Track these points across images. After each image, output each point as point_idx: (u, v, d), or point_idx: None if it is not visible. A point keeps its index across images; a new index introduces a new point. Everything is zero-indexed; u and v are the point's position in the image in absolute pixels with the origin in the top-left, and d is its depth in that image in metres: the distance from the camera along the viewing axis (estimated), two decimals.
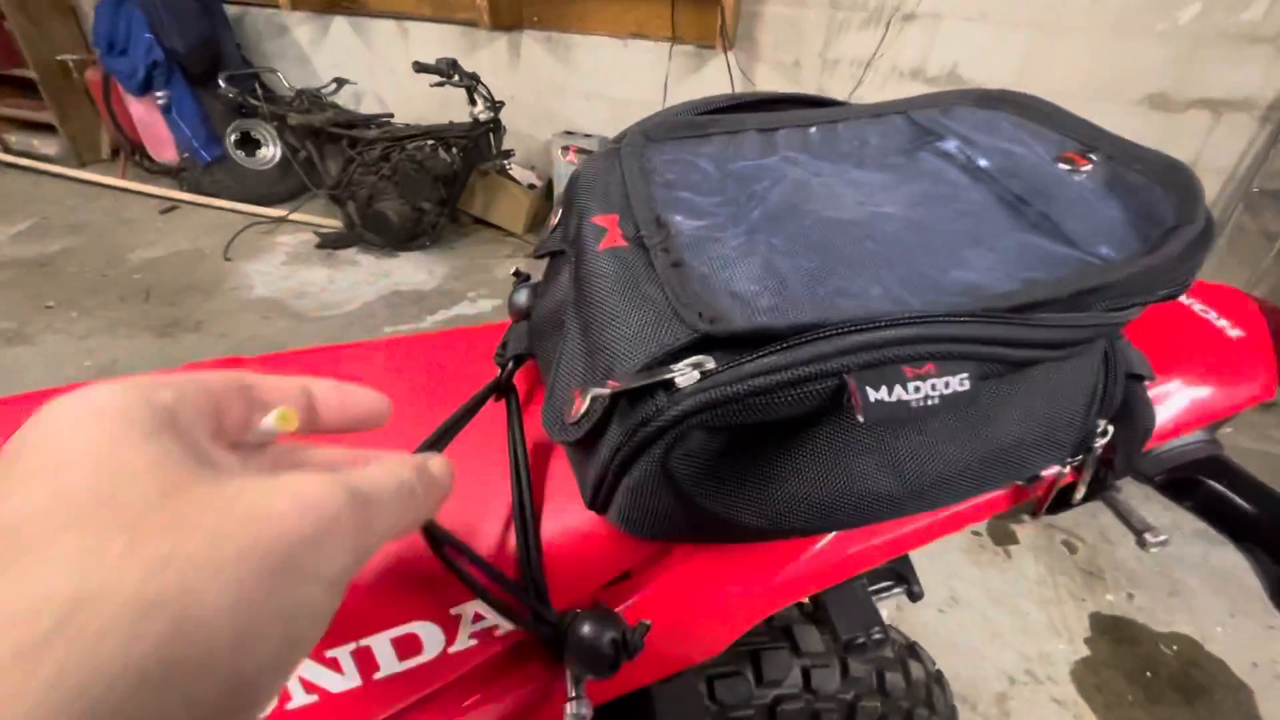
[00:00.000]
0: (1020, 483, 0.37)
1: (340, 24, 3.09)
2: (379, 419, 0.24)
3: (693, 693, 0.43)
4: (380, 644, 0.31)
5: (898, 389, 0.23)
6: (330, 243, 2.80)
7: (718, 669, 0.57)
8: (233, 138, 3.07)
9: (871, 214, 0.34)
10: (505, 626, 0.33)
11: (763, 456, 0.28)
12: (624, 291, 0.29)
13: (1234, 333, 0.45)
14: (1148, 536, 0.39)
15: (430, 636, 0.31)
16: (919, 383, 0.23)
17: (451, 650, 0.32)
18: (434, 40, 2.95)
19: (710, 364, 0.25)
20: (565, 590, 0.33)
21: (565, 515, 0.34)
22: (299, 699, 0.31)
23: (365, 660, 0.31)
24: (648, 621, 0.33)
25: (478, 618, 0.32)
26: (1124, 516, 0.40)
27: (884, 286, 0.28)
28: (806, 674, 0.60)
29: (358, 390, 0.24)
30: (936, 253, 0.31)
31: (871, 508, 0.30)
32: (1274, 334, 0.45)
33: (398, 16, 2.96)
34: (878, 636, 0.38)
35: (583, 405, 0.28)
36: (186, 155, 3.06)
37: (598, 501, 0.30)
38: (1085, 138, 0.38)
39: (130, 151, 3.32)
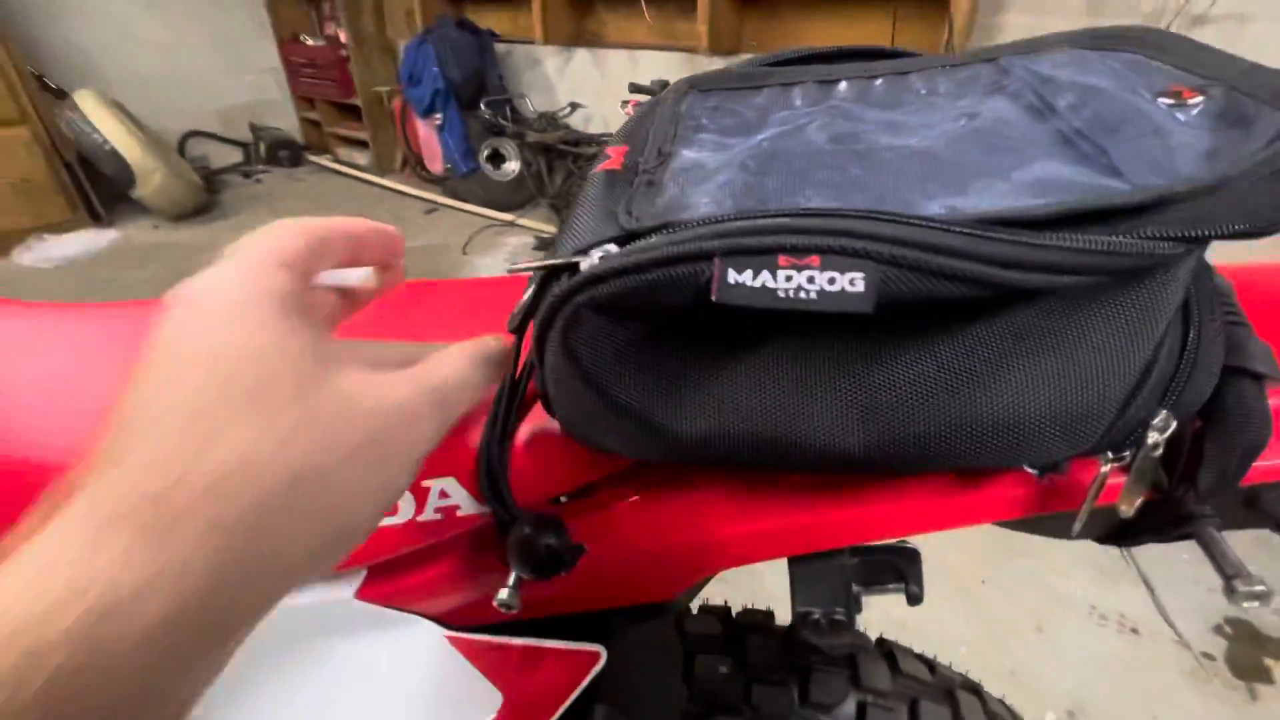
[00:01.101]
0: (1033, 472, 0.30)
1: (582, 55, 3.48)
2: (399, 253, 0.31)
3: (662, 642, 0.41)
4: None
5: (764, 274, 0.21)
6: (545, 245, 3.15)
7: (763, 672, 0.54)
8: (485, 153, 3.61)
9: (879, 147, 0.30)
10: (466, 509, 0.35)
11: (679, 347, 0.27)
12: (590, 204, 0.30)
13: None
14: (1238, 584, 0.28)
15: (404, 503, 0.35)
16: (793, 272, 0.21)
17: (420, 519, 0.36)
18: (659, 67, 3.17)
19: (613, 250, 0.26)
20: (526, 489, 0.35)
21: (541, 421, 0.36)
22: None
23: None
24: (584, 546, 0.34)
25: (444, 495, 0.35)
26: (1211, 552, 0.30)
27: (841, 205, 0.26)
28: (862, 710, 0.54)
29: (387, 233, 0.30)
30: (932, 182, 0.27)
31: (827, 451, 0.27)
32: None
33: (629, 46, 3.25)
34: (837, 618, 0.33)
35: (524, 296, 0.30)
36: (449, 166, 3.68)
37: (544, 400, 0.32)
38: (1213, 73, 0.30)
39: (413, 163, 4.09)
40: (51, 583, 0.16)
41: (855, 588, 0.35)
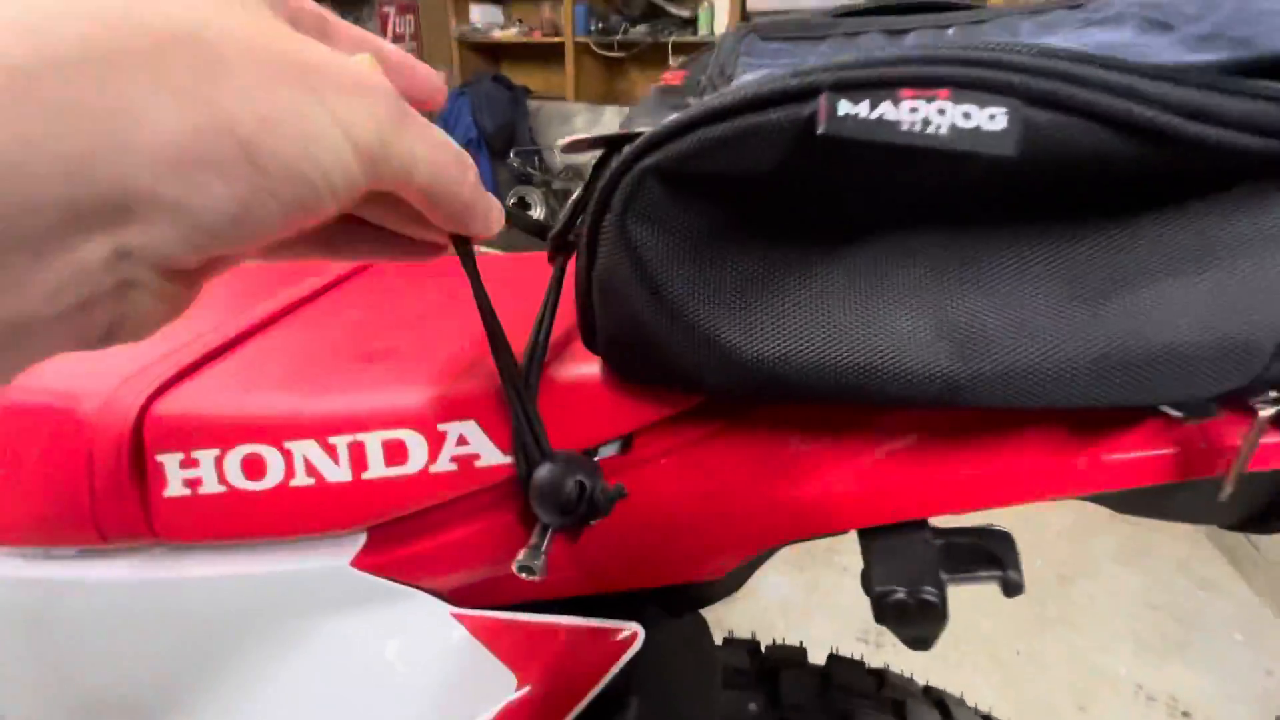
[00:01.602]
0: (1175, 414, 0.25)
1: (611, 114, 3.60)
2: (436, 99, 0.25)
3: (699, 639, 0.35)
4: (373, 443, 0.31)
5: (884, 105, 0.18)
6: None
7: (799, 715, 0.48)
8: (511, 200, 3.70)
9: None
10: (486, 459, 0.31)
11: (760, 249, 0.23)
12: (647, 106, 0.28)
13: None
14: None
15: (416, 448, 0.31)
16: (920, 103, 0.17)
17: (432, 469, 0.31)
18: None
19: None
20: (554, 439, 0.30)
21: (575, 364, 0.32)
22: (300, 478, 0.32)
23: (358, 456, 0.32)
24: (622, 488, 0.29)
25: (462, 441, 0.31)
26: None
27: None
28: None
29: (421, 65, 0.24)
30: None
31: (912, 377, 0.23)
32: None
33: None
34: (927, 597, 0.27)
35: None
36: None
37: (585, 324, 0.28)
38: None
39: None
40: None
41: (941, 573, 0.29)
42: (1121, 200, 0.22)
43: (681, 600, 0.34)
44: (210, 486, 0.33)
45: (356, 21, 3.10)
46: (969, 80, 0.18)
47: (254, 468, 0.32)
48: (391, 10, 3.85)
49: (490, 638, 0.31)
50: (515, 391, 0.28)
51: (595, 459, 0.32)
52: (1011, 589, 0.29)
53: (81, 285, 0.15)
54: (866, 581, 0.29)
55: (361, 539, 0.34)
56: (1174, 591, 1.64)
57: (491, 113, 3.51)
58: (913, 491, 0.29)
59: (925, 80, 0.18)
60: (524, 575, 0.28)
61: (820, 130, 0.18)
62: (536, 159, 3.64)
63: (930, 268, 0.23)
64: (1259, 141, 0.18)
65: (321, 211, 0.17)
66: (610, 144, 0.23)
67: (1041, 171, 0.20)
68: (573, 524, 0.29)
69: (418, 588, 0.33)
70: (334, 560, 0.33)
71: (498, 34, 3.61)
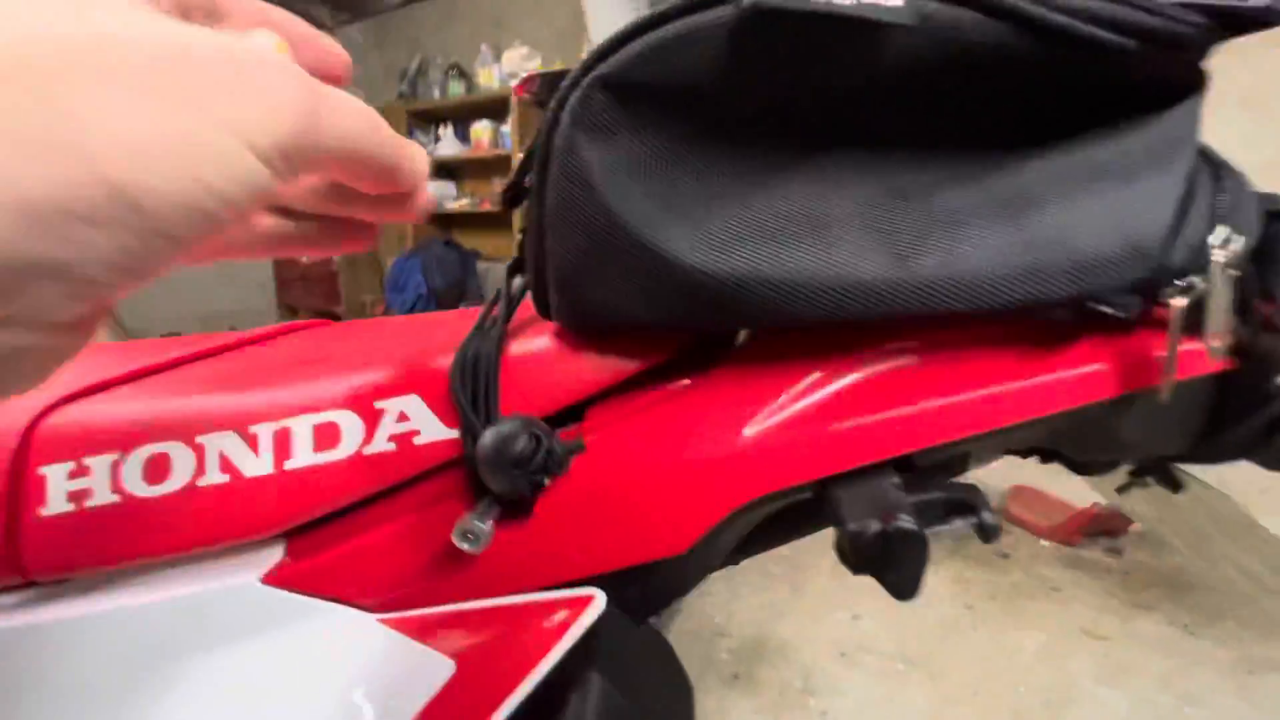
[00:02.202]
0: (1104, 309, 0.26)
1: None
2: (344, 76, 0.23)
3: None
4: (300, 427, 0.29)
5: None
6: None
7: None
8: None
9: None
10: (427, 434, 0.29)
11: (704, 164, 0.24)
12: None
13: None
14: None
15: (350, 429, 0.29)
16: None
17: (366, 451, 0.28)
18: None
19: None
20: (506, 409, 0.29)
21: (525, 339, 0.31)
22: (211, 475, 0.29)
23: (282, 444, 0.29)
24: (580, 443, 0.27)
25: (402, 417, 0.29)
26: None
27: None
28: None
29: (324, 36, 0.23)
30: None
31: (855, 283, 0.24)
32: None
33: None
34: (905, 524, 0.25)
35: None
36: None
37: (536, 286, 0.28)
38: None
39: None
40: None
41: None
42: (1030, 128, 0.26)
43: (644, 597, 0.30)
44: (101, 497, 0.29)
45: None
46: None
47: (157, 469, 0.29)
48: None
49: (423, 633, 0.26)
50: (485, 357, 0.27)
51: None
52: (989, 531, 0.28)
53: None
54: (839, 528, 0.27)
55: (276, 552, 0.29)
56: (1161, 711, 1.57)
57: (442, 272, 3.68)
58: (868, 435, 0.28)
59: None
60: (466, 545, 0.25)
61: (749, 4, 0.21)
62: None
63: (866, 184, 0.25)
64: (1115, 39, 0.22)
65: (225, 227, 0.16)
66: (557, 82, 0.26)
67: (950, 75, 0.23)
68: (524, 487, 0.26)
69: (342, 601, 0.28)
70: (242, 578, 0.28)
71: (451, 205, 3.90)
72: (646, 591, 0.30)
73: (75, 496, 0.29)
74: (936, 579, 1.90)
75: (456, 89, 3.64)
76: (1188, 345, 0.27)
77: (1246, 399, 0.28)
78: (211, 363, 0.37)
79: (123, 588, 0.29)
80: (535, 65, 3.23)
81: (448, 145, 3.75)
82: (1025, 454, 0.35)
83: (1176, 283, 0.26)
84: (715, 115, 0.25)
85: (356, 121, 0.18)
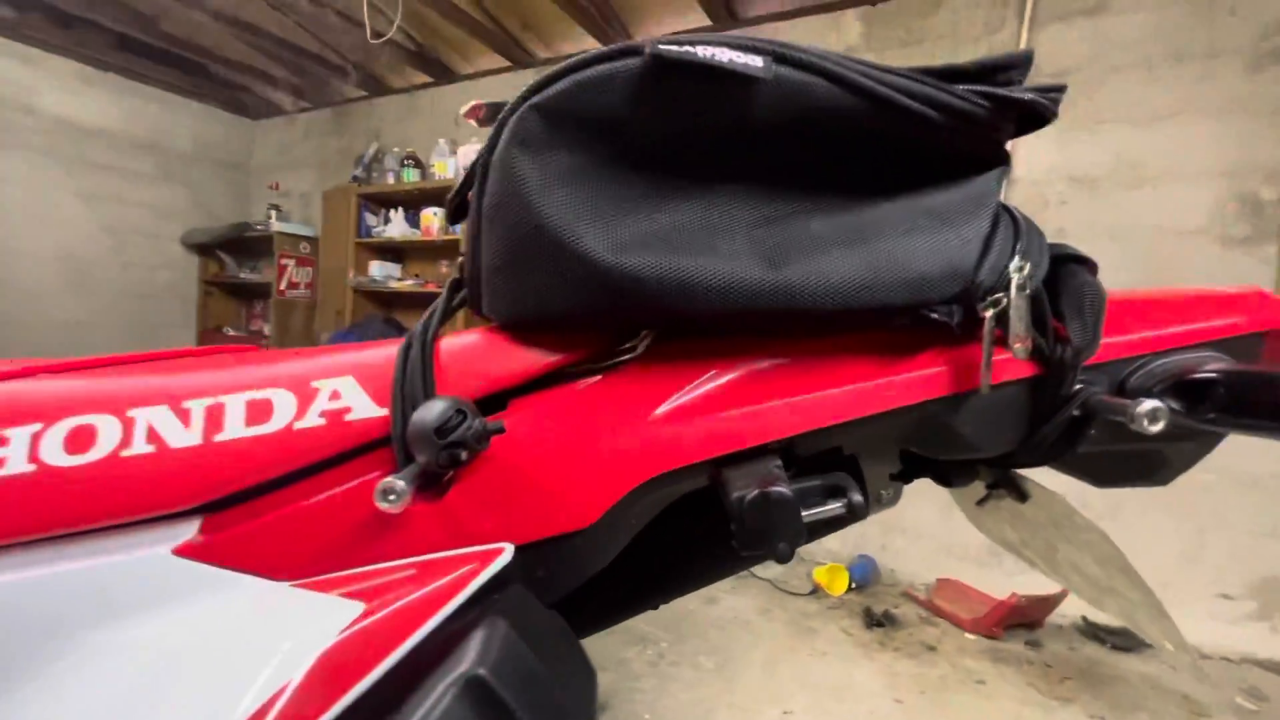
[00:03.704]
0: (936, 315, 0.31)
1: None
2: None
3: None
4: (234, 403, 0.30)
5: (687, 47, 0.27)
6: None
7: None
8: None
9: None
10: (358, 413, 0.30)
11: (617, 180, 0.30)
12: None
13: (1232, 290, 0.39)
14: (1134, 410, 0.29)
15: (282, 405, 0.30)
16: (712, 49, 0.27)
17: (297, 425, 0.30)
18: None
19: None
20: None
21: (456, 338, 0.34)
22: (137, 445, 0.30)
23: (214, 418, 0.30)
24: (501, 425, 0.30)
25: (334, 396, 0.31)
26: (1104, 409, 0.32)
27: None
28: None
29: None
30: None
31: (736, 284, 0.29)
32: None
33: None
34: (780, 490, 0.28)
35: None
36: None
37: (471, 283, 0.32)
38: None
39: None
40: None
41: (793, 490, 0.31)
42: (870, 181, 0.33)
43: (551, 577, 0.32)
44: (15, 467, 0.29)
45: (253, 270, 3.20)
46: (739, 44, 0.28)
47: (80, 440, 0.29)
48: (291, 263, 4.11)
49: (332, 586, 0.27)
50: (420, 342, 0.30)
51: None
52: (857, 510, 0.32)
53: None
54: (726, 499, 0.30)
55: (190, 526, 0.30)
56: None
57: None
58: (750, 422, 0.32)
59: (713, 41, 0.28)
60: (386, 504, 0.26)
61: (648, 51, 0.27)
62: None
63: (747, 208, 0.31)
64: (911, 103, 0.30)
65: None
66: (500, 109, 0.31)
67: (808, 125, 0.30)
68: (446, 459, 0.28)
69: (254, 574, 0.29)
70: (152, 550, 0.29)
71: (394, 284, 3.91)
72: (554, 570, 0.32)
73: None
74: (867, 673, 1.88)
75: (411, 176, 3.76)
76: (1002, 356, 0.33)
77: (1051, 400, 0.34)
78: (146, 364, 0.38)
79: (24, 559, 0.28)
80: None
81: (396, 227, 3.81)
82: (904, 476, 0.40)
83: (989, 298, 0.32)
84: (627, 141, 0.31)
85: None
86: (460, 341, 0.34)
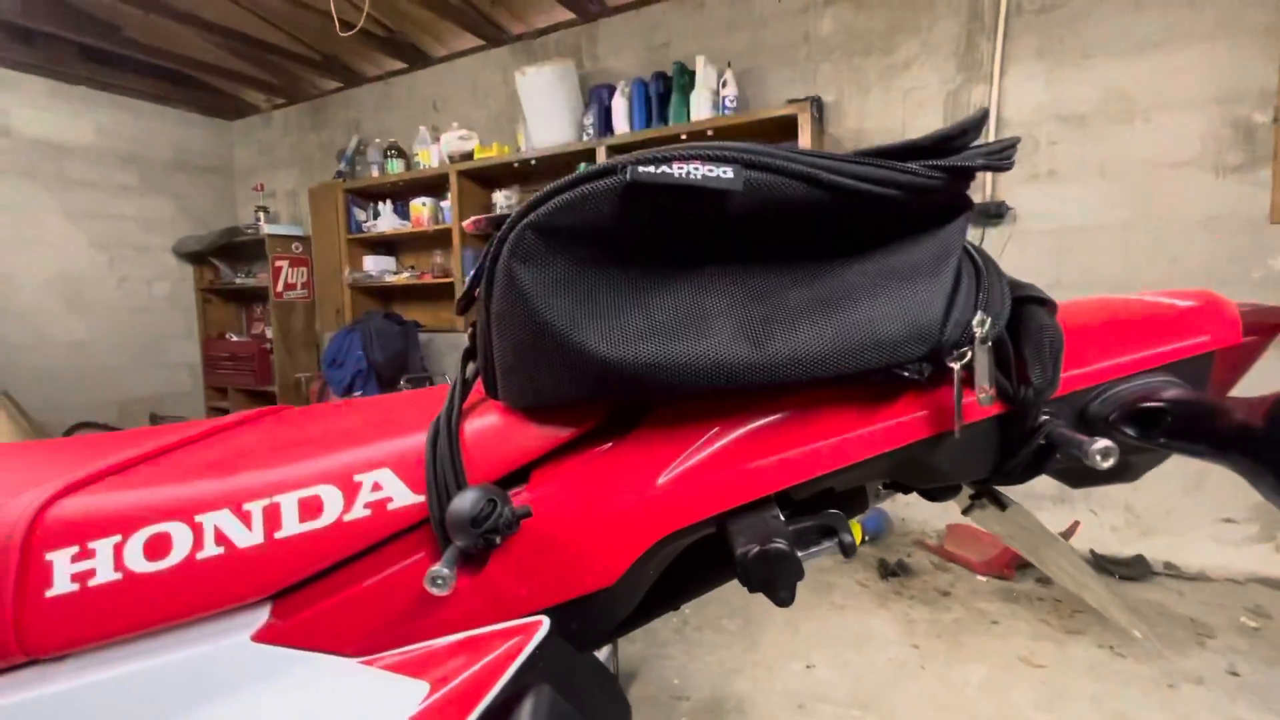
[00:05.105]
0: (906, 374, 0.35)
1: None
2: None
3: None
4: (288, 502, 0.34)
5: (663, 167, 0.29)
6: None
7: None
8: None
9: None
10: (398, 501, 0.34)
11: (612, 281, 0.33)
12: None
13: (1183, 303, 0.42)
14: (1090, 448, 0.33)
15: (331, 501, 0.34)
16: (684, 166, 0.29)
17: (346, 518, 0.34)
18: None
19: None
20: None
21: (478, 417, 0.37)
22: (209, 549, 0.33)
23: (272, 517, 0.34)
24: (529, 509, 0.33)
25: (376, 487, 0.34)
26: (1064, 442, 0.35)
27: None
28: None
29: None
30: None
31: (725, 366, 0.32)
32: (1259, 327, 0.42)
33: None
34: (779, 545, 0.32)
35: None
36: None
37: (486, 371, 0.35)
38: None
39: None
40: None
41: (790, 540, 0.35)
42: (839, 247, 0.35)
43: (584, 627, 0.36)
44: (104, 576, 0.33)
45: (249, 274, 3.19)
46: (709, 155, 0.31)
47: (158, 547, 0.33)
48: (285, 264, 4.11)
49: (399, 669, 0.31)
50: (447, 432, 0.34)
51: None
52: (847, 549, 0.35)
53: None
54: (732, 554, 0.34)
55: (263, 612, 0.34)
56: None
57: (382, 346, 3.65)
58: (751, 477, 0.36)
59: (685, 157, 0.30)
60: (434, 589, 0.30)
61: (627, 178, 0.30)
62: (428, 384, 3.76)
63: (731, 288, 0.34)
64: (871, 188, 0.32)
65: None
66: (499, 222, 0.34)
67: (777, 217, 0.32)
68: (482, 543, 0.32)
69: (326, 651, 0.33)
70: (234, 638, 0.33)
71: (390, 279, 3.93)
72: (586, 622, 0.36)
73: (79, 578, 0.32)
74: (884, 621, 1.96)
75: (395, 167, 3.74)
76: (971, 399, 0.36)
77: (1018, 434, 0.38)
78: (192, 450, 0.42)
79: (121, 655, 0.32)
80: (473, 146, 3.37)
81: (386, 220, 3.81)
82: (883, 487, 0.44)
83: (955, 352, 0.35)
84: (616, 245, 0.34)
85: None
86: (481, 424, 0.37)
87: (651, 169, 0.30)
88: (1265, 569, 2.16)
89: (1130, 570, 2.17)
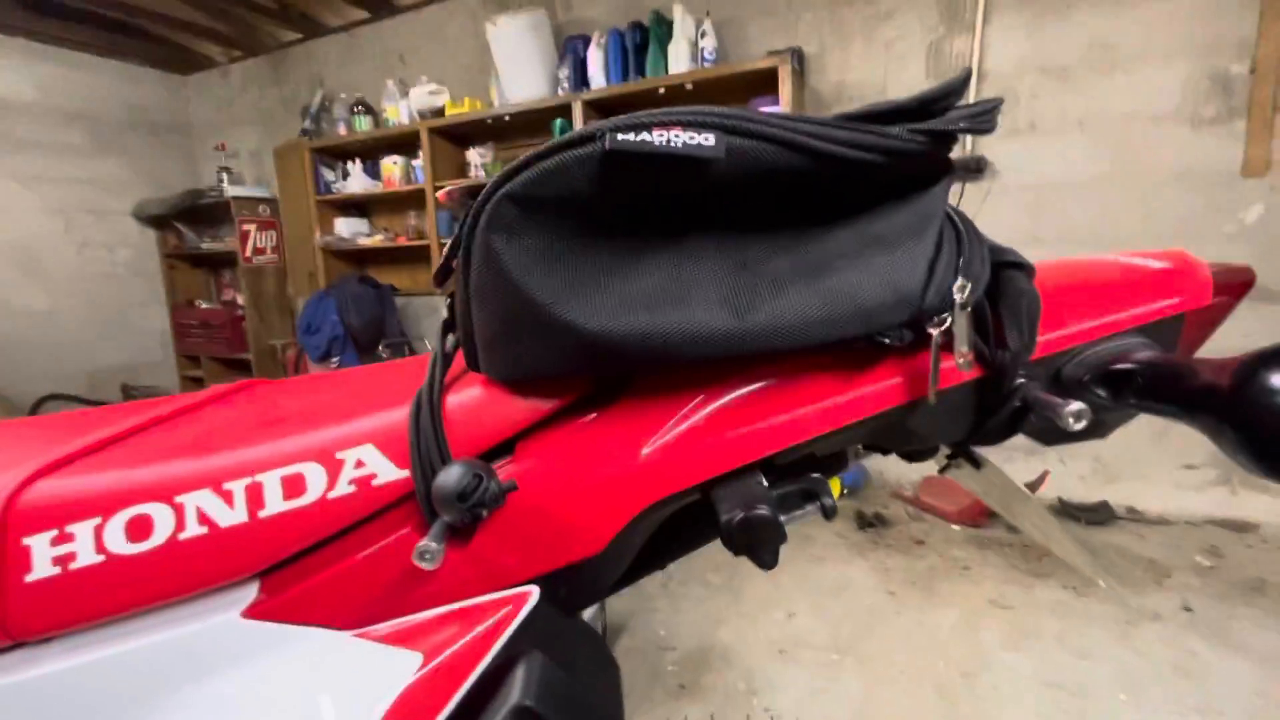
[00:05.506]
0: (883, 339, 0.35)
1: None
2: None
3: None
4: (270, 481, 0.34)
5: (644, 134, 0.28)
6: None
7: None
8: None
9: None
10: (383, 477, 0.34)
11: (592, 252, 0.32)
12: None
13: (1156, 264, 0.43)
14: (1065, 410, 0.34)
15: (314, 478, 0.34)
16: (664, 132, 0.29)
17: (330, 495, 0.33)
18: None
19: None
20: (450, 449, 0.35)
21: (460, 391, 0.37)
22: (191, 529, 0.33)
23: (254, 496, 0.33)
24: (514, 483, 0.34)
25: (359, 464, 0.34)
26: (1039, 404, 0.36)
27: None
28: None
29: None
30: None
31: (708, 335, 0.32)
32: (1228, 287, 0.43)
33: None
34: (761, 512, 0.33)
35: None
36: None
37: (466, 344, 0.34)
38: None
39: None
40: None
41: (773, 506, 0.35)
42: (821, 214, 0.35)
43: (571, 593, 0.37)
44: (86, 559, 0.32)
45: (215, 239, 3.07)
46: (690, 121, 0.30)
47: (139, 528, 0.33)
48: (252, 228, 3.98)
49: (391, 640, 0.31)
50: (429, 406, 0.33)
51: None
52: (829, 512, 0.36)
53: None
54: (717, 520, 0.35)
55: (251, 589, 0.34)
56: (1060, 667, 1.75)
57: (358, 310, 3.59)
58: (734, 445, 0.36)
59: (665, 122, 0.29)
60: (423, 563, 0.30)
61: (606, 146, 0.29)
62: (406, 349, 3.71)
63: (714, 258, 0.34)
64: (854, 153, 0.32)
65: None
66: (475, 192, 0.33)
67: (760, 184, 0.32)
68: (469, 517, 0.32)
69: (315, 625, 0.33)
70: (224, 615, 0.33)
71: (363, 241, 3.83)
72: (574, 589, 0.37)
73: (60, 561, 0.32)
74: (861, 570, 2.04)
75: (363, 124, 3.60)
76: (950, 364, 0.37)
77: (994, 397, 0.38)
78: (168, 428, 0.41)
79: (109, 636, 0.32)
80: (444, 100, 3.25)
81: (357, 181, 3.68)
82: (863, 449, 0.45)
83: (935, 318, 0.36)
84: (596, 215, 0.33)
85: None
86: (464, 398, 0.37)
87: (631, 136, 0.29)
88: (1221, 511, 2.26)
89: (1095, 516, 2.27)
